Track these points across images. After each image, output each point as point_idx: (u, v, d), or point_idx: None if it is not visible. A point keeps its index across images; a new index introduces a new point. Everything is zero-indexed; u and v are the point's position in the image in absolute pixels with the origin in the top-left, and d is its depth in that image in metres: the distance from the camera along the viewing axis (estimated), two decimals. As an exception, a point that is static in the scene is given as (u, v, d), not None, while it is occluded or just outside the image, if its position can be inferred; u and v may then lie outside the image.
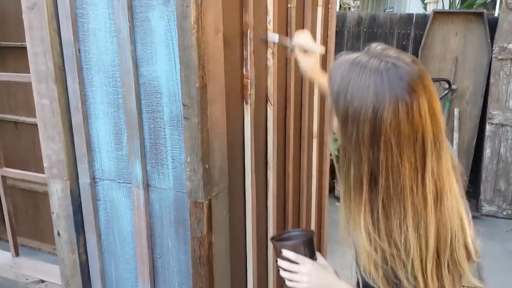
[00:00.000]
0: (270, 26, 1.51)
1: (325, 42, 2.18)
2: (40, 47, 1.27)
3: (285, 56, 1.69)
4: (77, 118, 1.31)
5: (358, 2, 6.92)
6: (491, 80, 3.85)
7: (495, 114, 3.85)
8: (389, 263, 0.83)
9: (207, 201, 1.20)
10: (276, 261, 1.04)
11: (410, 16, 4.54)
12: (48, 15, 1.23)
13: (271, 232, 1.69)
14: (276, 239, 1.09)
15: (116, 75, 1.23)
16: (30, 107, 2.67)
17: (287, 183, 1.84)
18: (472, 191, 4.06)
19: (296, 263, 1.00)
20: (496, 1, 8.20)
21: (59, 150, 1.33)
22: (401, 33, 4.52)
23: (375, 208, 0.82)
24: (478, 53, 4.08)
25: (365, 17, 4.63)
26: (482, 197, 3.96)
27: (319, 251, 1.07)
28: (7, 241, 1.83)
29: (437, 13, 4.25)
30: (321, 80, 1.44)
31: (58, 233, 1.42)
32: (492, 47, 3.88)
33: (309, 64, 1.42)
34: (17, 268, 1.76)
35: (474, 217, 2.34)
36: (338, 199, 3.97)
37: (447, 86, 4.02)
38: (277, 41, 1.48)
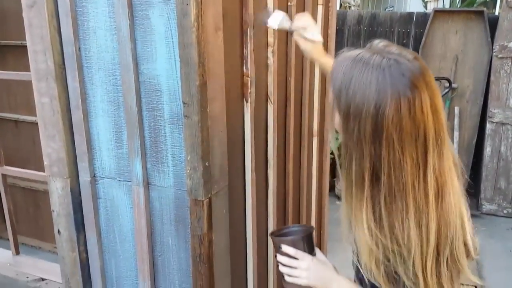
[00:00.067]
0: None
1: (325, 40, 2.18)
2: (40, 45, 1.26)
3: (285, 54, 1.69)
4: (77, 116, 1.31)
5: (359, 1, 6.92)
6: (492, 78, 3.85)
7: (496, 113, 3.85)
8: (390, 259, 0.83)
9: (207, 199, 1.20)
10: (275, 256, 1.04)
11: (410, 14, 4.53)
12: (48, 13, 1.23)
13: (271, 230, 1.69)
14: (276, 234, 1.09)
15: (116, 73, 1.23)
16: (30, 105, 2.66)
17: (287, 181, 1.84)
18: (473, 190, 4.06)
19: (295, 258, 1.00)
20: (496, 0, 8.19)
21: (59, 149, 1.33)
22: (402, 31, 4.52)
23: (376, 204, 0.82)
24: (478, 52, 4.08)
25: (365, 16, 4.63)
26: (482, 195, 3.96)
27: (320, 249, 1.07)
28: (8, 239, 1.84)
29: (438, 12, 4.25)
30: (322, 60, 1.43)
31: (59, 231, 1.43)
32: (492, 45, 3.88)
33: (310, 46, 1.41)
34: (18, 266, 1.76)
35: (474, 216, 2.35)
36: (338, 197, 3.97)
37: (447, 84, 4.02)
38: (276, 27, 1.43)
